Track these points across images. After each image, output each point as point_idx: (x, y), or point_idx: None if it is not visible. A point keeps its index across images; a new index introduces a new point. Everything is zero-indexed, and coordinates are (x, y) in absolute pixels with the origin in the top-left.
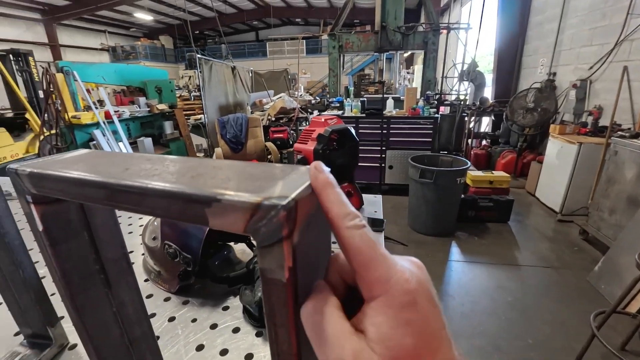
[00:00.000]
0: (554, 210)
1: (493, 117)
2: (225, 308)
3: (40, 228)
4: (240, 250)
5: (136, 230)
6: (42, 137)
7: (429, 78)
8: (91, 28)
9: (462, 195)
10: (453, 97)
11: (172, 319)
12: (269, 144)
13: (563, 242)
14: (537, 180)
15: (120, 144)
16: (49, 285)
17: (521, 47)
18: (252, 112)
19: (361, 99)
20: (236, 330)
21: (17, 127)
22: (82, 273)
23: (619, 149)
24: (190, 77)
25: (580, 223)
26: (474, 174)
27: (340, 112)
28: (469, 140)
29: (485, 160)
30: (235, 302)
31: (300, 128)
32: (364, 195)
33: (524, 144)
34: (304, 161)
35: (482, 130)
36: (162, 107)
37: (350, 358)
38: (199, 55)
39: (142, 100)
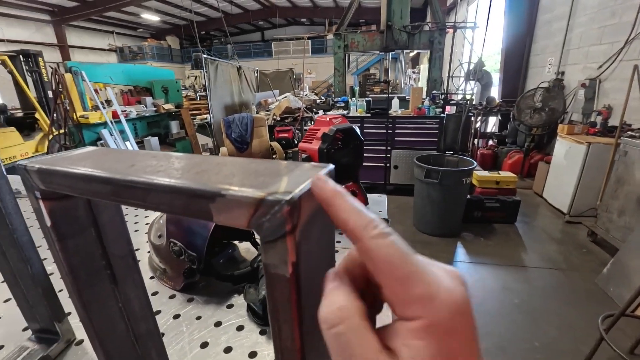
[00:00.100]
0: (562, 211)
1: (500, 117)
2: (230, 306)
3: (49, 223)
4: (245, 248)
5: (142, 229)
6: (51, 137)
7: (434, 77)
8: (99, 29)
9: (468, 196)
10: (459, 97)
11: (177, 316)
12: (274, 144)
13: (571, 243)
14: (545, 181)
15: (127, 143)
16: (57, 282)
17: (529, 46)
18: (257, 112)
19: (366, 98)
20: (240, 328)
21: (26, 126)
22: (89, 269)
23: (629, 149)
24: (196, 77)
25: (589, 224)
26: (480, 174)
27: (345, 112)
28: (475, 140)
29: (492, 161)
30: (239, 300)
31: (305, 128)
32: (368, 194)
33: (531, 144)
34: (309, 160)
35: (488, 130)
36: (169, 106)
37: None
38: (205, 56)
39: (148, 100)
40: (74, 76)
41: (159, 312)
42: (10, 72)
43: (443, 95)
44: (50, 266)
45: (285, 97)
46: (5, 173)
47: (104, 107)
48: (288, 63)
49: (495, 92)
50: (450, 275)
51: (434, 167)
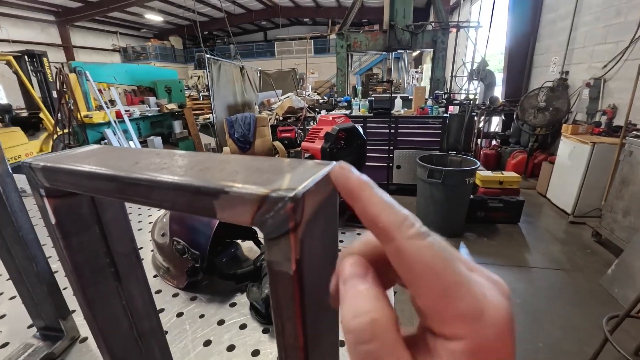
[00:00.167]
0: (566, 211)
1: (503, 117)
2: (233, 305)
3: (53, 221)
4: (248, 247)
5: (145, 227)
6: (55, 136)
7: (437, 77)
8: (103, 29)
9: (471, 196)
10: (462, 97)
11: (180, 315)
12: (277, 143)
13: (575, 244)
14: (549, 181)
15: (131, 142)
16: (61, 280)
17: (532, 45)
18: (260, 112)
19: (369, 98)
20: (243, 326)
21: (31, 126)
22: (93, 266)
23: (634, 149)
24: (199, 77)
25: (593, 225)
26: (483, 174)
27: (348, 112)
28: (479, 140)
29: (495, 161)
30: (242, 299)
31: (307, 127)
32: None
33: (535, 144)
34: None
35: (491, 130)
36: (172, 106)
37: None
38: (208, 56)
39: (152, 100)
40: (78, 76)
41: (162, 310)
42: (16, 73)
43: (446, 95)
44: (55, 264)
45: (288, 97)
46: (11, 172)
47: (108, 107)
48: (291, 63)
49: (498, 92)
50: (496, 286)
51: (436, 167)
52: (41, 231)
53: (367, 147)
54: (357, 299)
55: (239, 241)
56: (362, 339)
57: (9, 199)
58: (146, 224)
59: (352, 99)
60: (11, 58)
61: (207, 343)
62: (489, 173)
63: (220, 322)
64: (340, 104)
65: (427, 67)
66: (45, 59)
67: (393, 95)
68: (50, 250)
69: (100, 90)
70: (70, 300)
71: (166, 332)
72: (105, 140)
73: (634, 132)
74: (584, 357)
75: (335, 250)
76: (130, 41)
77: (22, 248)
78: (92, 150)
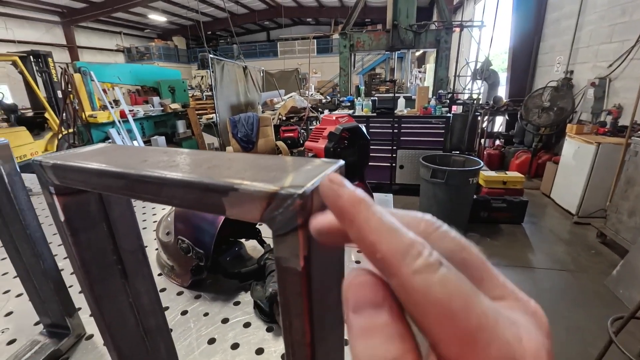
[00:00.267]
0: (570, 212)
1: (507, 117)
2: (237, 303)
3: (62, 218)
4: (252, 247)
5: (149, 226)
6: (60, 136)
7: (441, 77)
8: (107, 30)
9: (475, 196)
10: (466, 96)
11: (184, 313)
12: (280, 143)
13: (579, 244)
14: (553, 181)
15: (135, 142)
16: (66, 278)
17: (537, 44)
18: (263, 112)
19: (372, 98)
20: (247, 325)
21: (36, 126)
22: (101, 263)
23: None
24: (202, 77)
25: (598, 225)
26: (486, 174)
27: (351, 112)
28: (482, 140)
29: (499, 161)
30: (246, 298)
31: (310, 127)
32: (374, 194)
33: (539, 144)
34: None
35: (495, 129)
36: (175, 106)
37: None
38: (211, 56)
39: (155, 99)
40: (83, 76)
41: (167, 308)
42: (21, 73)
43: (449, 95)
44: (61, 262)
45: (291, 96)
46: (19, 171)
47: (112, 107)
48: (293, 63)
49: (502, 92)
50: (533, 319)
51: (440, 167)
52: (47, 230)
53: (370, 146)
54: (372, 338)
55: (243, 240)
56: None
57: (17, 198)
58: (150, 222)
59: (355, 99)
60: (17, 58)
61: (212, 341)
62: (492, 173)
63: (225, 321)
64: (343, 104)
65: (430, 66)
66: (50, 59)
67: (396, 95)
68: (56, 249)
69: (104, 90)
70: (76, 297)
71: (171, 330)
72: (110, 140)
73: None
74: (588, 359)
75: (342, 247)
76: (134, 41)
77: (29, 246)
78: (99, 148)
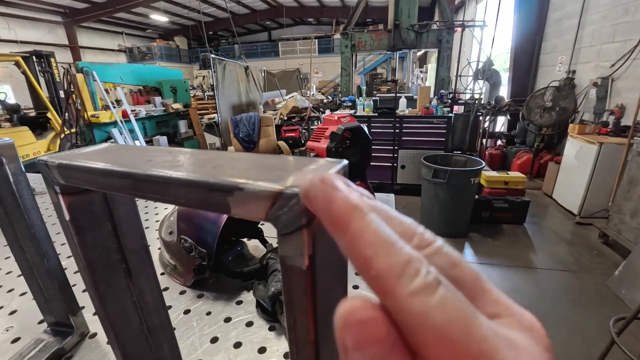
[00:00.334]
0: (572, 212)
1: (509, 117)
2: (239, 302)
3: (68, 217)
4: (254, 246)
5: (152, 226)
6: (62, 136)
7: (442, 77)
8: (109, 30)
9: (476, 196)
10: (467, 96)
11: (187, 312)
12: (281, 143)
13: (581, 245)
14: (555, 182)
15: (137, 142)
16: (70, 277)
17: (539, 44)
18: (264, 112)
19: (373, 98)
20: (249, 324)
21: (39, 126)
22: (105, 262)
23: None
24: (204, 76)
25: (600, 226)
26: (488, 174)
27: (352, 111)
28: (484, 140)
29: (501, 161)
30: (248, 297)
31: (312, 127)
32: (376, 194)
33: (541, 144)
34: None
35: (497, 129)
36: (177, 106)
37: None
38: (212, 56)
39: (157, 99)
40: (85, 76)
41: (169, 307)
42: (24, 73)
43: (451, 95)
44: (64, 261)
45: (292, 96)
46: (24, 170)
47: (114, 107)
48: (295, 63)
49: (504, 92)
50: (531, 335)
51: (441, 167)
52: (51, 229)
53: (372, 146)
54: None
55: (245, 240)
56: None
57: (22, 197)
58: (152, 222)
59: (357, 99)
60: (19, 59)
61: (214, 340)
62: (494, 173)
63: (227, 320)
64: (345, 104)
65: (431, 66)
66: (52, 60)
67: (397, 95)
68: (60, 248)
69: (106, 90)
70: (80, 296)
71: (174, 328)
72: (112, 140)
73: None
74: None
75: None
76: (135, 41)
77: (33, 245)
78: (104, 148)
